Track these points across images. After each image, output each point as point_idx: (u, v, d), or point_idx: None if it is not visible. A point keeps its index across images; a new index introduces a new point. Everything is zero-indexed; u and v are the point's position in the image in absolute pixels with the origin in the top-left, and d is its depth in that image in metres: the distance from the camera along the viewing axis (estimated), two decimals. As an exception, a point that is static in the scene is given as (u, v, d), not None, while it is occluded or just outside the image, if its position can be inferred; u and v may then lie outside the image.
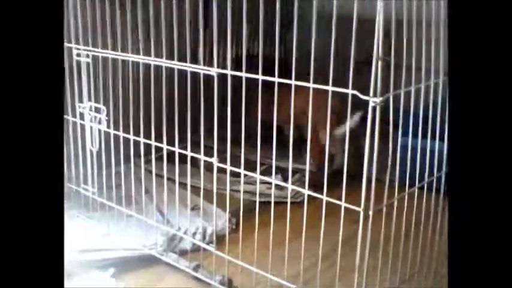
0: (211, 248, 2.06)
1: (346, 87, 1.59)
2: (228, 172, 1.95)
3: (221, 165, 1.94)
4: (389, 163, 1.68)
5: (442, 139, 1.93)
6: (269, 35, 1.97)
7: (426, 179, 1.88)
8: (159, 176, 2.32)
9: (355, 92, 1.58)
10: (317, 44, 1.66)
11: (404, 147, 1.78)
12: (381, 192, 1.68)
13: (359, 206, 1.62)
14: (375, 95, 1.54)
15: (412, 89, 1.75)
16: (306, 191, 1.78)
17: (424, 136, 1.86)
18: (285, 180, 1.83)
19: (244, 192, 2.39)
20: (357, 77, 1.59)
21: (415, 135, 1.82)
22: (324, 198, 1.70)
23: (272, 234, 1.85)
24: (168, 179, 2.21)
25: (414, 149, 1.82)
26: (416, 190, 1.87)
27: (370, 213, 1.60)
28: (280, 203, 2.22)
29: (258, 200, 1.91)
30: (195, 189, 2.23)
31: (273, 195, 1.89)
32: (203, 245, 2.08)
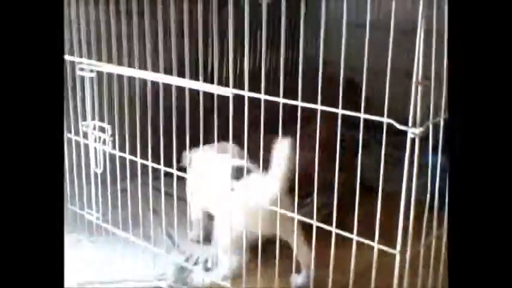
0: (226, 284, 1.87)
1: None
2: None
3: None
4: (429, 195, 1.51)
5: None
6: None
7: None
8: (168, 194, 2.14)
9: (391, 120, 1.40)
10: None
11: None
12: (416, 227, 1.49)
13: (394, 246, 1.45)
14: (414, 125, 1.36)
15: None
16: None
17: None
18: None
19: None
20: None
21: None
22: (354, 238, 1.52)
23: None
24: (179, 199, 2.04)
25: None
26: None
27: (407, 256, 1.42)
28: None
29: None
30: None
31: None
32: (217, 281, 1.90)
